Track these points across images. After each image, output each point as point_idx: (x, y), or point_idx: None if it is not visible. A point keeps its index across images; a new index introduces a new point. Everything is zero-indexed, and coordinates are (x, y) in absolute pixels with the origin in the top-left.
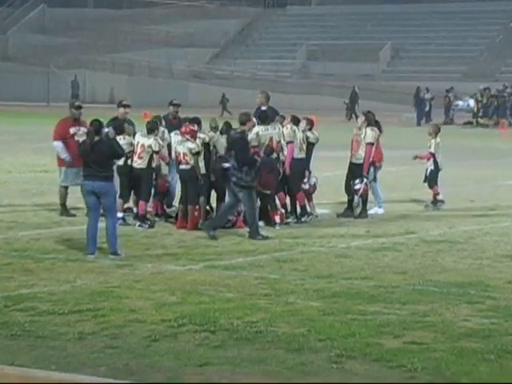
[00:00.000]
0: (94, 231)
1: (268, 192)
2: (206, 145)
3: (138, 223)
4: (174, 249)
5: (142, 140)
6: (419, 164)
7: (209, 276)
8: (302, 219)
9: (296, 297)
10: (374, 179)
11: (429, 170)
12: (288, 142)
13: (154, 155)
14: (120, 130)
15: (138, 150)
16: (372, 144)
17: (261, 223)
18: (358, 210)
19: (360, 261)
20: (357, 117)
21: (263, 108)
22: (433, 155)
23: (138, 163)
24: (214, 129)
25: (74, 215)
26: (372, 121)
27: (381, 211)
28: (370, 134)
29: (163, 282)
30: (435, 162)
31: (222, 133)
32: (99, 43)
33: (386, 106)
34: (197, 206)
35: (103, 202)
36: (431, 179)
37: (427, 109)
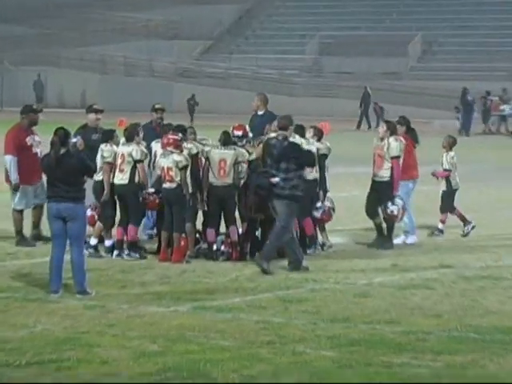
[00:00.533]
0: (58, 264)
1: (262, 216)
2: (193, 157)
3: (126, 252)
4: (155, 286)
5: (122, 149)
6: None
7: (198, 319)
8: (308, 251)
9: (305, 345)
10: (404, 200)
11: (441, 192)
12: None
13: (138, 166)
14: (108, 137)
15: (119, 162)
16: (398, 157)
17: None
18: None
19: (384, 301)
20: (369, 124)
21: (260, 113)
22: (448, 172)
23: (120, 178)
24: (194, 139)
25: (33, 245)
26: (396, 130)
27: (413, 239)
28: (394, 145)
29: (142, 326)
30: (448, 182)
31: (221, 144)
32: (65, 34)
33: (416, 110)
34: (183, 234)
35: (70, 228)
36: (444, 202)
37: (475, 115)
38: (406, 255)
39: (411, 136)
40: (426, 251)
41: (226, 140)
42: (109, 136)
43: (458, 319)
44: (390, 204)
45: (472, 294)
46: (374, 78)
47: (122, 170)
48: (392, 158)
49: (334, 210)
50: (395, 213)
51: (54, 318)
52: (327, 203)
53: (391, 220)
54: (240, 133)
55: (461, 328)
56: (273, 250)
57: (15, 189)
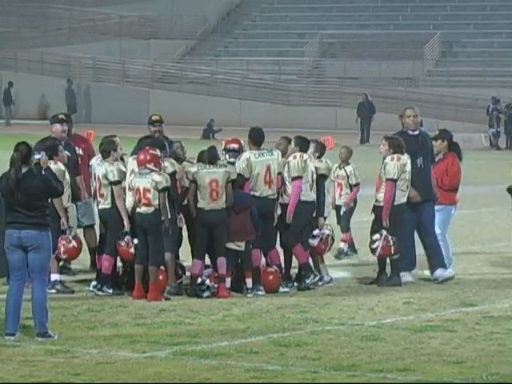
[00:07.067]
0: (16, 302)
1: (241, 247)
2: (171, 177)
3: (98, 286)
4: (128, 328)
5: (98, 170)
6: (483, 208)
7: (179, 367)
8: (307, 281)
9: None
10: (442, 227)
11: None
12: (294, 178)
13: (113, 188)
14: (51, 153)
15: (96, 185)
16: (393, 180)
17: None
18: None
19: (397, 345)
20: (368, 138)
21: (415, 133)
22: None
23: (102, 203)
24: (177, 159)
25: None
26: (400, 148)
27: (448, 273)
28: (390, 165)
29: (113, 375)
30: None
31: (208, 162)
32: (23, 33)
33: (434, 122)
34: (162, 267)
35: (32, 260)
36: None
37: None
38: (422, 291)
39: (456, 153)
40: (445, 287)
41: (213, 157)
42: (53, 152)
43: (483, 367)
44: (375, 237)
45: (499, 338)
46: (384, 84)
47: (102, 195)
48: (386, 180)
49: (333, 239)
50: (375, 245)
51: (9, 365)
52: (326, 231)
53: (373, 254)
54: (236, 146)
55: (486, 377)
56: None
57: None
